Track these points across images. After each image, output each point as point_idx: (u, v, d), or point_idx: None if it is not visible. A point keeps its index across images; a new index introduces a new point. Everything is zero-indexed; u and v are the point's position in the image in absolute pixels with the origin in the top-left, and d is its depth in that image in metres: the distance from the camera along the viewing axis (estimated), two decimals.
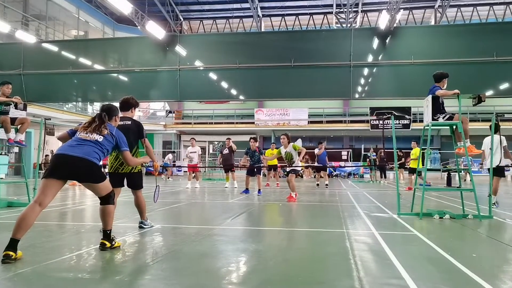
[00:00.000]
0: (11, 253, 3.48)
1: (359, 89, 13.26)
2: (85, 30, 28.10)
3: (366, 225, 5.95)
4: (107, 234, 4.13)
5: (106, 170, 6.14)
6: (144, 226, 5.41)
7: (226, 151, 14.24)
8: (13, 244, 3.54)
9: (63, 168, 3.83)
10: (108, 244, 4.07)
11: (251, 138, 12.81)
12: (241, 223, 6.31)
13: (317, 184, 16.25)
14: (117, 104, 4.92)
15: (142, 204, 5.37)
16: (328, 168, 27.59)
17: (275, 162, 16.37)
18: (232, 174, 14.62)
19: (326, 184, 16.01)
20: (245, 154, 13.13)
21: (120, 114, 4.97)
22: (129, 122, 5.18)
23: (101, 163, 4.14)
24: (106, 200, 4.13)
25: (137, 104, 5.47)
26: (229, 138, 14.77)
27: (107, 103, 4.68)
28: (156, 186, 5.55)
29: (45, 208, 3.83)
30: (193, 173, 15.31)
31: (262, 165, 12.56)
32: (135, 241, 4.67)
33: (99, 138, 4.09)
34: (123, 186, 5.28)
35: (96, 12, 28.15)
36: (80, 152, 3.89)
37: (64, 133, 4.36)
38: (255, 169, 12.26)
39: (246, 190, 11.76)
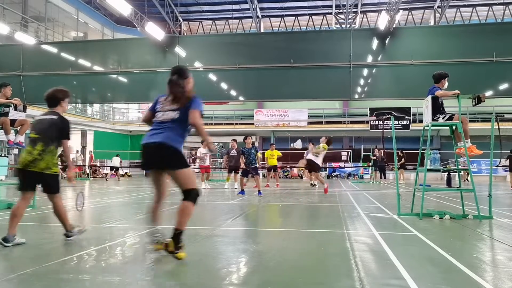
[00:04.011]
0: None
1: (359, 89, 13.27)
2: (85, 32, 28.11)
3: (366, 225, 5.95)
4: (176, 235, 3.61)
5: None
6: (6, 244, 4.22)
7: (233, 152, 14.15)
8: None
9: (148, 159, 3.69)
10: (171, 248, 3.55)
11: (245, 137, 12.52)
12: (241, 224, 6.31)
13: (311, 184, 16.24)
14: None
15: (62, 212, 4.57)
16: (328, 169, 27.68)
17: (275, 162, 16.44)
18: (235, 176, 14.60)
19: (312, 184, 15.95)
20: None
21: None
22: (55, 117, 4.52)
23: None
24: (189, 195, 3.65)
25: (65, 97, 4.69)
26: (234, 140, 14.71)
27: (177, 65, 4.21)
28: (79, 193, 5.38)
29: (165, 198, 3.93)
30: (205, 173, 15.34)
31: (257, 165, 12.48)
32: (136, 242, 4.67)
33: (175, 114, 3.71)
34: (34, 190, 4.51)
35: (95, 14, 28.16)
36: (158, 138, 3.63)
37: (146, 113, 3.99)
38: (251, 170, 12.07)
39: (242, 192, 11.72)
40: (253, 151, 12.04)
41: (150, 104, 4.10)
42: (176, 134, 3.68)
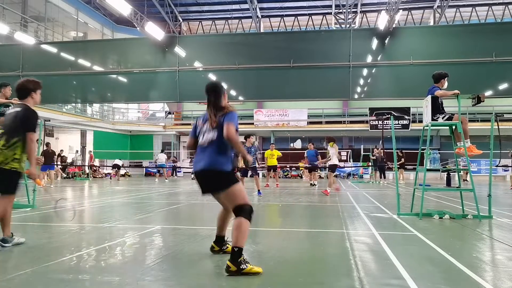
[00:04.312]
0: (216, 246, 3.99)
1: (359, 89, 13.28)
2: (84, 31, 28.09)
3: (366, 225, 5.96)
4: (234, 253, 3.30)
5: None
6: (5, 245, 4.12)
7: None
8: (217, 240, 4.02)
9: (201, 185, 3.66)
10: (233, 268, 3.25)
11: (248, 135, 12.40)
12: None
13: (311, 184, 16.30)
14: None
15: (6, 216, 4.16)
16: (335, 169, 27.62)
17: (274, 162, 16.43)
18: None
19: (312, 184, 16.15)
20: None
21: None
22: (19, 109, 4.24)
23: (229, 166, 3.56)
24: (241, 211, 3.45)
25: (36, 88, 4.41)
26: None
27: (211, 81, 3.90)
28: (58, 200, 5.12)
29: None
30: None
31: (256, 165, 12.45)
32: (135, 242, 4.67)
33: (213, 135, 3.56)
34: None
35: (95, 13, 28.14)
36: (201, 164, 3.57)
37: (189, 140, 3.87)
38: (250, 170, 12.02)
39: None
40: (252, 149, 11.97)
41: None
42: (218, 154, 3.55)
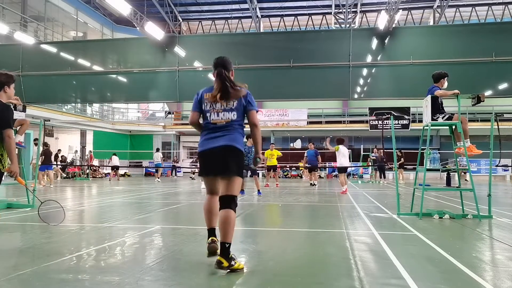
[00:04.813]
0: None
1: (358, 89, 13.28)
2: (84, 31, 28.07)
3: (366, 225, 5.95)
4: (225, 249, 3.29)
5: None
6: None
7: None
8: (213, 233, 3.70)
9: (210, 165, 3.52)
10: (225, 263, 3.25)
11: (248, 136, 12.37)
12: (241, 223, 6.30)
13: (311, 184, 16.33)
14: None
15: None
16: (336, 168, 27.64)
17: (274, 162, 16.43)
18: None
19: (312, 184, 16.21)
20: None
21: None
22: None
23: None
24: (231, 202, 3.43)
25: (9, 81, 4.21)
26: None
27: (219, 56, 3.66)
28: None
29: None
30: None
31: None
32: (135, 242, 4.66)
33: (233, 115, 3.50)
34: None
35: (94, 13, 28.13)
36: (222, 141, 3.46)
37: (193, 115, 3.66)
38: (250, 170, 11.94)
39: (242, 191, 11.66)
40: (253, 149, 11.90)
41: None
42: (238, 134, 3.52)
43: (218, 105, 3.52)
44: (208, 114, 3.57)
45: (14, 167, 4.06)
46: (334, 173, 28.30)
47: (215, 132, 3.51)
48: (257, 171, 12.56)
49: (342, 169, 12.84)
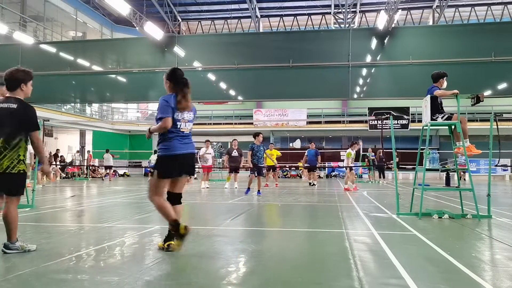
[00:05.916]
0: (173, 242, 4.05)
1: (358, 89, 13.29)
2: (83, 31, 28.05)
3: (365, 225, 5.96)
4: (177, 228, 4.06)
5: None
6: (8, 251, 3.84)
7: (235, 153, 14.12)
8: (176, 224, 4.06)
9: (181, 167, 4.09)
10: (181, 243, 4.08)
11: (257, 133, 11.98)
12: (240, 223, 6.30)
13: (310, 184, 16.35)
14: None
15: (13, 219, 3.86)
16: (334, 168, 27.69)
17: (270, 163, 16.42)
18: (235, 176, 14.60)
19: (311, 184, 16.26)
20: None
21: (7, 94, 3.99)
22: (15, 106, 3.87)
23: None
24: (180, 198, 4.37)
25: (27, 78, 4.08)
26: (235, 139, 14.67)
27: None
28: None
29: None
30: (207, 173, 15.45)
31: (263, 165, 12.31)
32: (135, 242, 4.66)
33: (191, 125, 4.22)
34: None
35: (94, 13, 28.11)
36: (191, 147, 4.16)
37: (169, 120, 3.95)
38: (259, 169, 11.77)
39: (248, 190, 11.59)
40: (262, 148, 11.72)
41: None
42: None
43: (185, 115, 4.08)
44: (177, 123, 4.04)
45: (46, 167, 4.37)
46: (333, 173, 28.34)
47: (182, 138, 4.06)
48: (263, 172, 12.43)
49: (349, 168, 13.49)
